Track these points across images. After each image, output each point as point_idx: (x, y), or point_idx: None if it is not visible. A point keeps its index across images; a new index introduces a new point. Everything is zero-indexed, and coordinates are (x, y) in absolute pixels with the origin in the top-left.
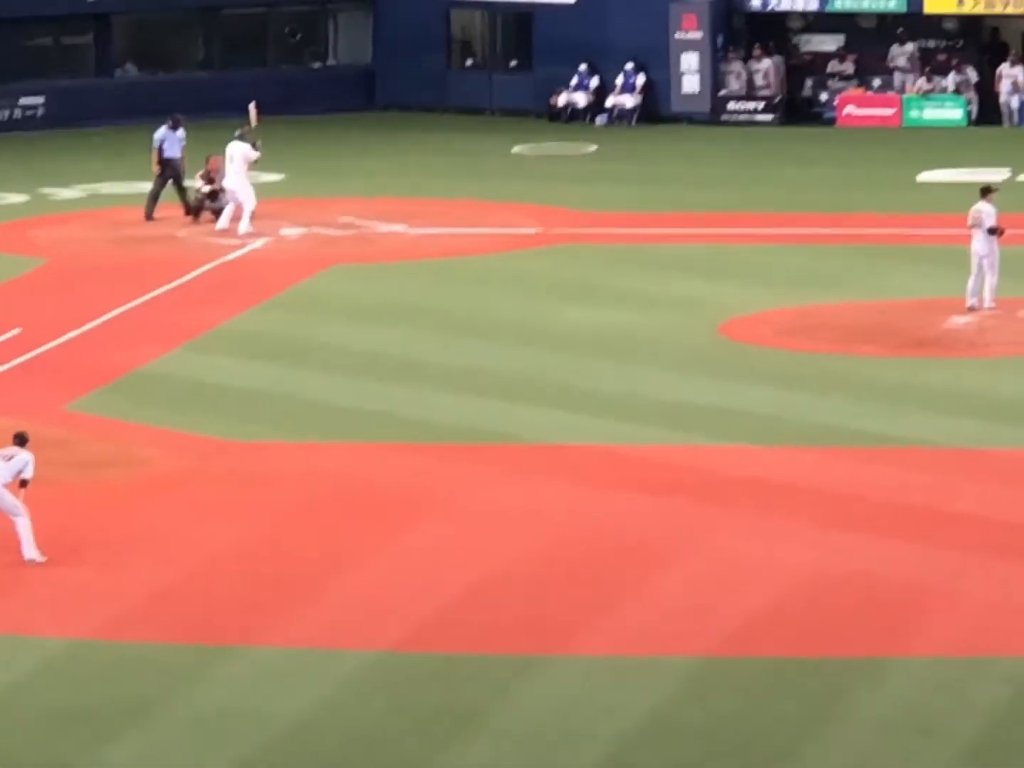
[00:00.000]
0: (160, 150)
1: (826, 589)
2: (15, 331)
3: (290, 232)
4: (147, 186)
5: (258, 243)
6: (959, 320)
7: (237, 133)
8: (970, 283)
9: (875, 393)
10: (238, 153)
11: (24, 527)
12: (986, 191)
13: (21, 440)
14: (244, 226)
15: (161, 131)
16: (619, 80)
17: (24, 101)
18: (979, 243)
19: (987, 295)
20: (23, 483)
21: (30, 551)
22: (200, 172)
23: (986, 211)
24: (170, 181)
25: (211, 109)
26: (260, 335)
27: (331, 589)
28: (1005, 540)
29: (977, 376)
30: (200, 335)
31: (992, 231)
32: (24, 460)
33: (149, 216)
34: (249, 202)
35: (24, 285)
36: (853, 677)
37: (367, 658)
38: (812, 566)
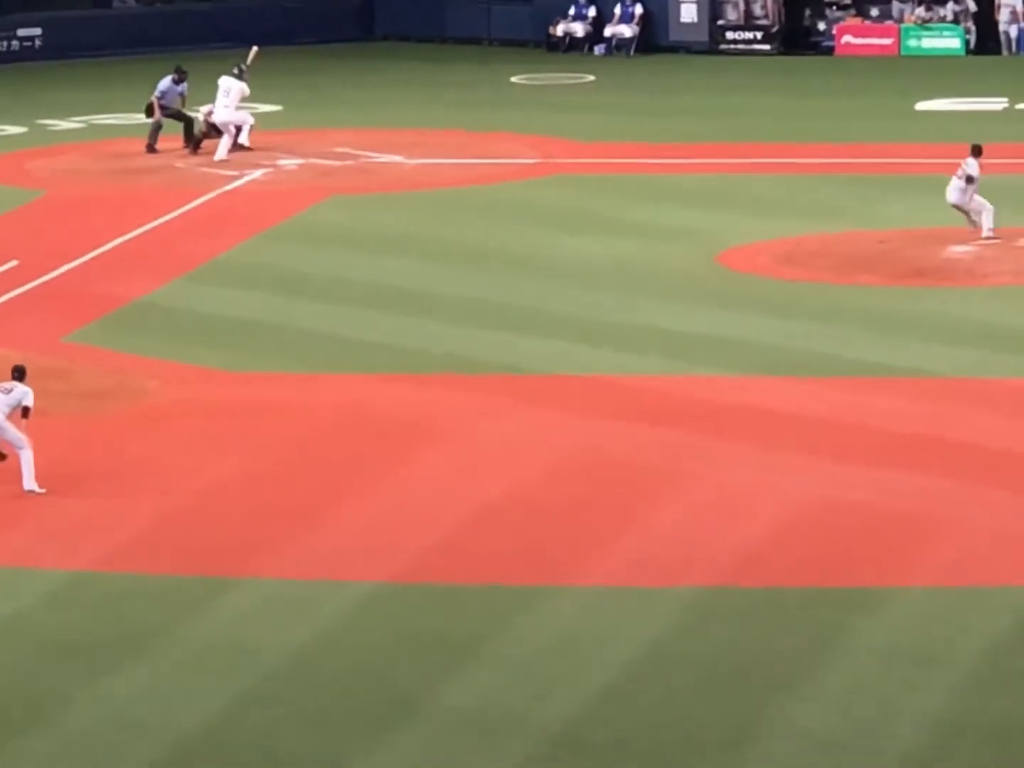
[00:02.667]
0: (160, 104)
1: (825, 519)
2: (12, 263)
3: (288, 163)
4: (145, 118)
5: (256, 173)
6: (958, 249)
7: (235, 71)
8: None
9: (874, 322)
10: (235, 89)
11: (27, 459)
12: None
13: (20, 373)
14: (243, 137)
15: (165, 83)
16: (617, 10)
17: (22, 32)
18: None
19: (985, 225)
20: (25, 412)
21: (30, 483)
22: (207, 108)
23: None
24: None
25: (210, 40)
26: (259, 266)
27: (332, 519)
28: (1005, 469)
29: (976, 305)
30: (199, 266)
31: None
32: (23, 391)
33: (151, 148)
34: (247, 121)
35: (22, 217)
36: (852, 607)
37: (368, 588)
38: (811, 496)
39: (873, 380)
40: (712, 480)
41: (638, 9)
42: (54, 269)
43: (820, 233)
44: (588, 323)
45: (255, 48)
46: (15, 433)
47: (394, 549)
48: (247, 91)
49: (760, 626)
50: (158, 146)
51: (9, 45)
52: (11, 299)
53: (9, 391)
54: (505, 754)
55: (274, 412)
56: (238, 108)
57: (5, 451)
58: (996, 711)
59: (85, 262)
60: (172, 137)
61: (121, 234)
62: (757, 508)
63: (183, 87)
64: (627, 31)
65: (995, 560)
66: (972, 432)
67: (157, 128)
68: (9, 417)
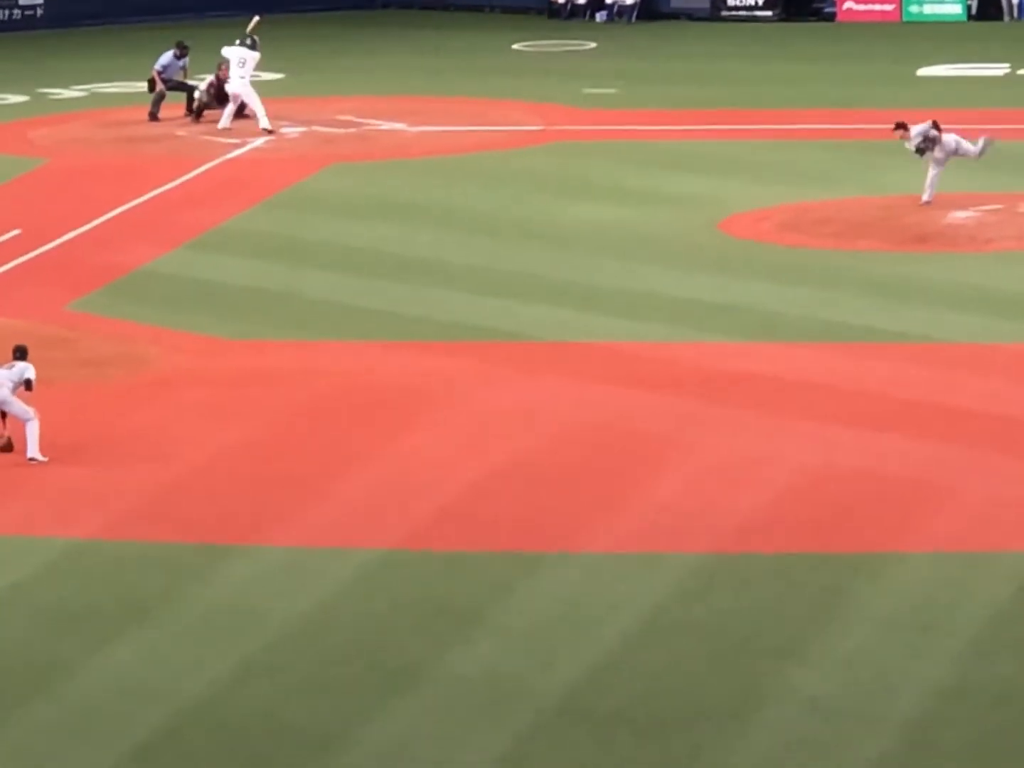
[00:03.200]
0: (161, 78)
1: (828, 485)
2: (15, 232)
3: (290, 131)
4: (146, 86)
5: (258, 142)
6: (960, 215)
7: (248, 41)
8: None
9: (877, 288)
10: (250, 59)
11: (32, 430)
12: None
13: (21, 353)
14: (264, 122)
15: (166, 57)
16: None
17: (24, 1)
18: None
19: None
20: (28, 385)
21: (33, 451)
22: (210, 79)
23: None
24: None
25: (211, 9)
26: (261, 234)
27: (334, 488)
28: (1008, 435)
29: (979, 271)
30: (201, 234)
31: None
32: (24, 366)
33: (154, 116)
34: (259, 106)
35: (24, 185)
36: (855, 573)
37: (370, 556)
38: (814, 462)
39: (876, 346)
40: (715, 447)
41: None
42: (57, 238)
43: (822, 199)
44: (590, 290)
45: (256, 17)
46: (21, 406)
47: (397, 517)
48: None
49: (763, 593)
50: (161, 115)
51: (11, 14)
52: (14, 268)
53: (12, 366)
54: (508, 722)
55: (276, 380)
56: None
57: (3, 434)
58: (998, 677)
59: (88, 231)
60: (175, 105)
61: (124, 202)
62: (760, 474)
63: (184, 61)
64: None
65: (998, 526)
66: (975, 398)
67: (160, 97)
68: (13, 392)
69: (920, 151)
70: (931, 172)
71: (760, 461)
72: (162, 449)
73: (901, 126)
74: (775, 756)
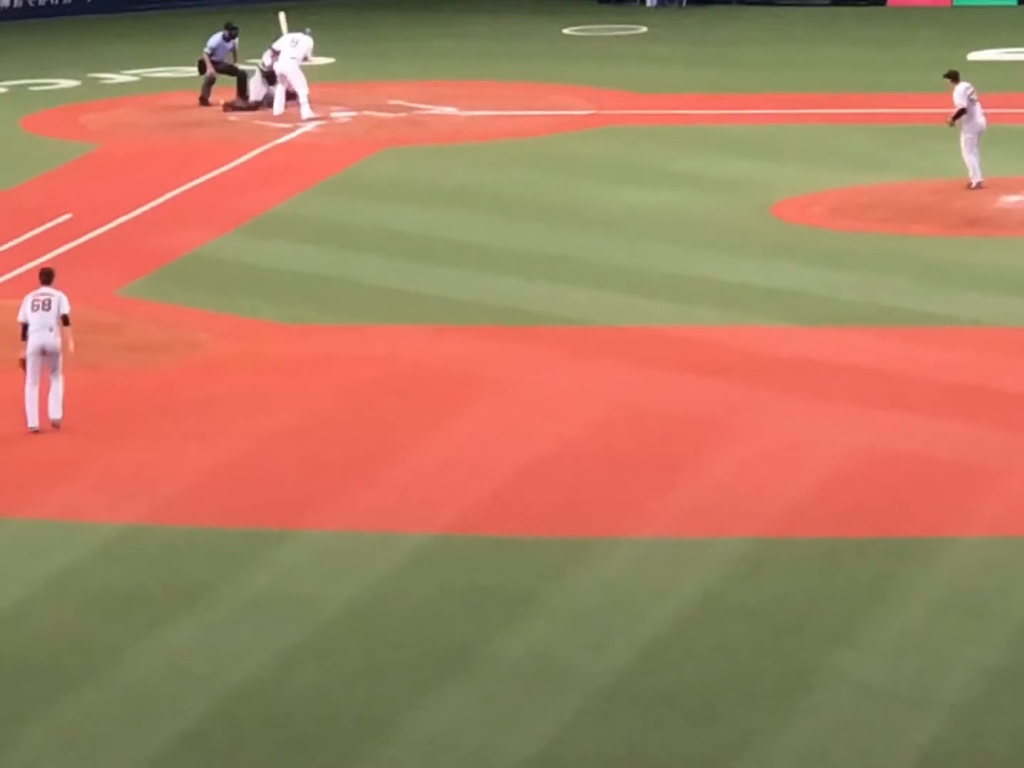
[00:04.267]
0: (212, 60)
1: (877, 469)
2: (66, 216)
3: (341, 115)
4: (197, 73)
5: (309, 126)
6: (1010, 199)
7: (307, 31)
8: (975, 160)
9: (927, 273)
10: (303, 43)
11: (57, 389)
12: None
13: (48, 276)
14: (306, 111)
15: (215, 39)
16: None
17: None
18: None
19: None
20: (65, 320)
21: (56, 412)
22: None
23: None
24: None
25: None
26: (311, 218)
27: (384, 472)
28: None
29: None
30: (251, 219)
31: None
32: (58, 299)
33: (204, 100)
34: (303, 88)
35: (76, 170)
36: (905, 557)
37: (420, 541)
38: (864, 446)
39: (925, 330)
40: (764, 431)
41: None
42: (108, 222)
43: (873, 184)
44: (641, 274)
45: (282, 14)
46: (60, 360)
47: (446, 501)
48: (309, 53)
49: (812, 577)
50: (211, 99)
51: (61, 0)
52: (65, 252)
53: (47, 304)
54: (558, 706)
55: (326, 365)
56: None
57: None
58: None
59: (138, 215)
60: (226, 89)
61: (174, 187)
62: (809, 459)
63: (234, 43)
64: None
65: None
66: None
67: (210, 82)
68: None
69: (957, 115)
70: (968, 157)
71: (809, 445)
72: (211, 434)
73: (952, 76)
74: (824, 740)
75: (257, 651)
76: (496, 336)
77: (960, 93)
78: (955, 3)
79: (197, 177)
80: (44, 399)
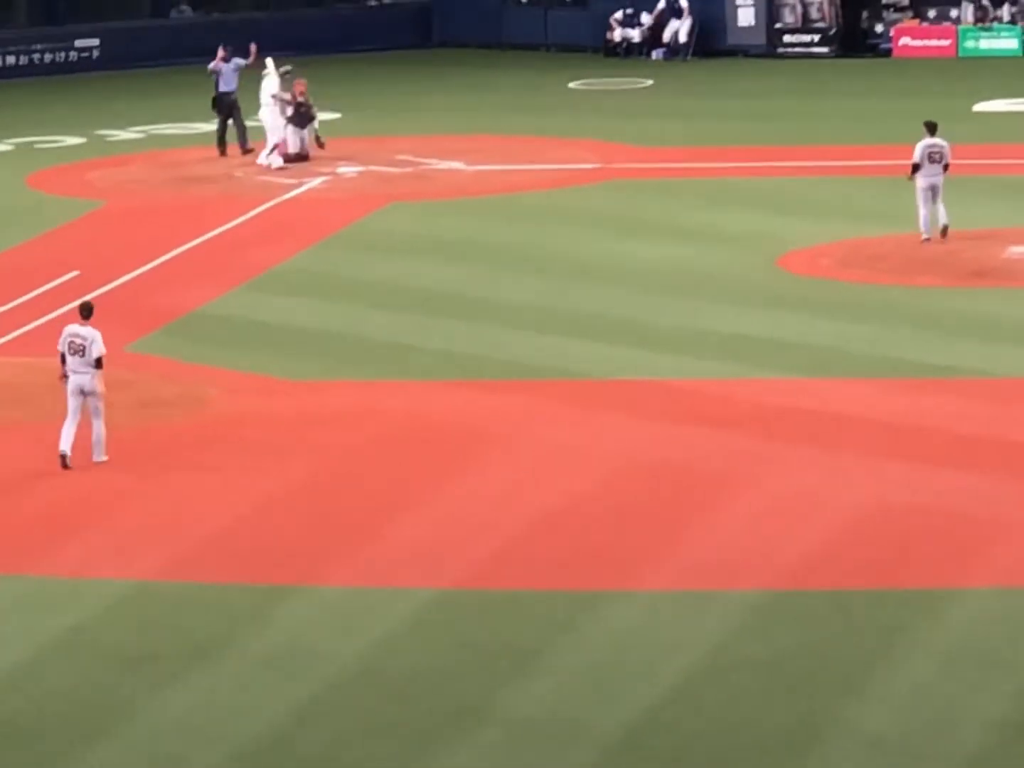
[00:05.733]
0: (216, 83)
1: (886, 521)
2: (74, 273)
3: (347, 170)
4: (203, 127)
5: (316, 182)
6: (1018, 250)
7: (283, 70)
8: (925, 215)
9: (935, 324)
10: (264, 86)
11: (98, 430)
12: (933, 127)
13: (88, 311)
14: (263, 157)
15: (214, 63)
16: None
17: (80, 43)
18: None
19: (941, 217)
20: (98, 363)
21: (99, 455)
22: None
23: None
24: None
25: (267, 49)
26: (319, 274)
27: (393, 527)
28: None
29: None
30: (259, 274)
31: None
32: (92, 341)
33: (222, 153)
34: (274, 137)
35: (82, 227)
36: (915, 609)
37: (430, 595)
38: (872, 498)
39: (934, 381)
40: (772, 483)
41: (683, 2)
42: (116, 279)
43: (880, 235)
44: (648, 328)
45: (270, 59)
46: (101, 403)
47: (455, 556)
48: (274, 89)
49: (823, 629)
50: (228, 151)
51: (67, 56)
52: (73, 309)
53: (82, 350)
54: (570, 761)
55: (334, 420)
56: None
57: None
58: None
59: (146, 272)
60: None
61: (182, 244)
62: (818, 511)
63: (235, 64)
64: (683, 28)
65: None
66: None
67: (222, 136)
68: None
69: (913, 170)
70: (920, 211)
71: (817, 497)
72: (220, 490)
73: (927, 126)
74: None
75: (268, 707)
76: (503, 390)
77: (918, 147)
78: (961, 54)
79: (204, 233)
80: (83, 435)
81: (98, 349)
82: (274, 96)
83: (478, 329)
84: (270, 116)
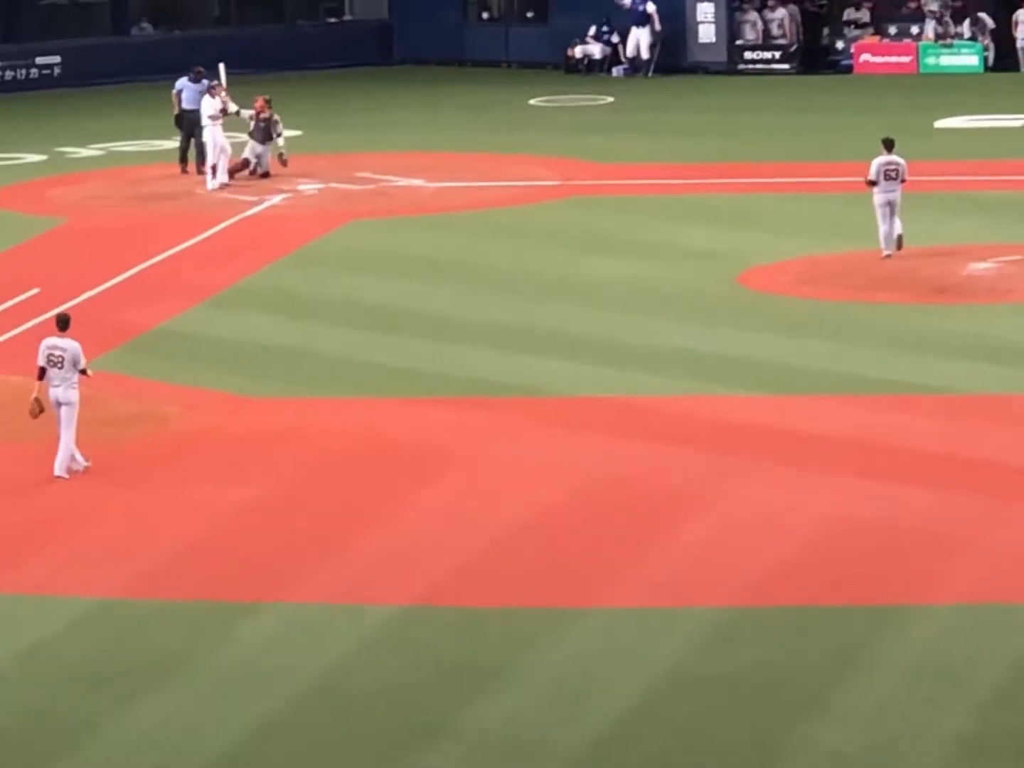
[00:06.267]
0: (179, 99)
1: (848, 538)
2: (34, 291)
3: (308, 187)
4: (164, 144)
5: (276, 199)
6: (979, 266)
7: (206, 84)
8: (884, 231)
9: (896, 341)
10: (207, 108)
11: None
12: (890, 144)
13: (65, 323)
14: (209, 181)
15: (181, 81)
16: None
17: (40, 60)
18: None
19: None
20: (83, 373)
21: (61, 468)
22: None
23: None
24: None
25: (228, 66)
26: (279, 291)
27: (354, 544)
28: None
29: (998, 322)
30: (220, 292)
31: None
32: (73, 354)
33: (184, 171)
34: (212, 157)
35: (43, 245)
36: (876, 625)
37: (391, 612)
38: (834, 515)
39: (896, 398)
40: (735, 500)
41: (650, 7)
42: (75, 297)
43: (841, 252)
44: (609, 345)
45: (222, 65)
46: (73, 416)
47: (416, 573)
48: (214, 108)
49: (785, 645)
50: (189, 168)
51: (28, 73)
52: (33, 327)
53: (61, 362)
54: None
55: (295, 437)
56: (213, 127)
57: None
58: (1021, 729)
59: (106, 289)
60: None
61: (142, 261)
62: (779, 528)
63: (203, 85)
64: (644, 43)
65: (1019, 577)
66: (996, 450)
67: (184, 152)
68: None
69: (871, 183)
70: (880, 227)
71: (779, 514)
72: (182, 507)
73: (884, 143)
74: None
75: (231, 724)
76: (464, 407)
77: (874, 164)
78: (922, 70)
79: (165, 251)
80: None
81: (80, 361)
82: (226, 113)
83: (438, 346)
84: (210, 135)
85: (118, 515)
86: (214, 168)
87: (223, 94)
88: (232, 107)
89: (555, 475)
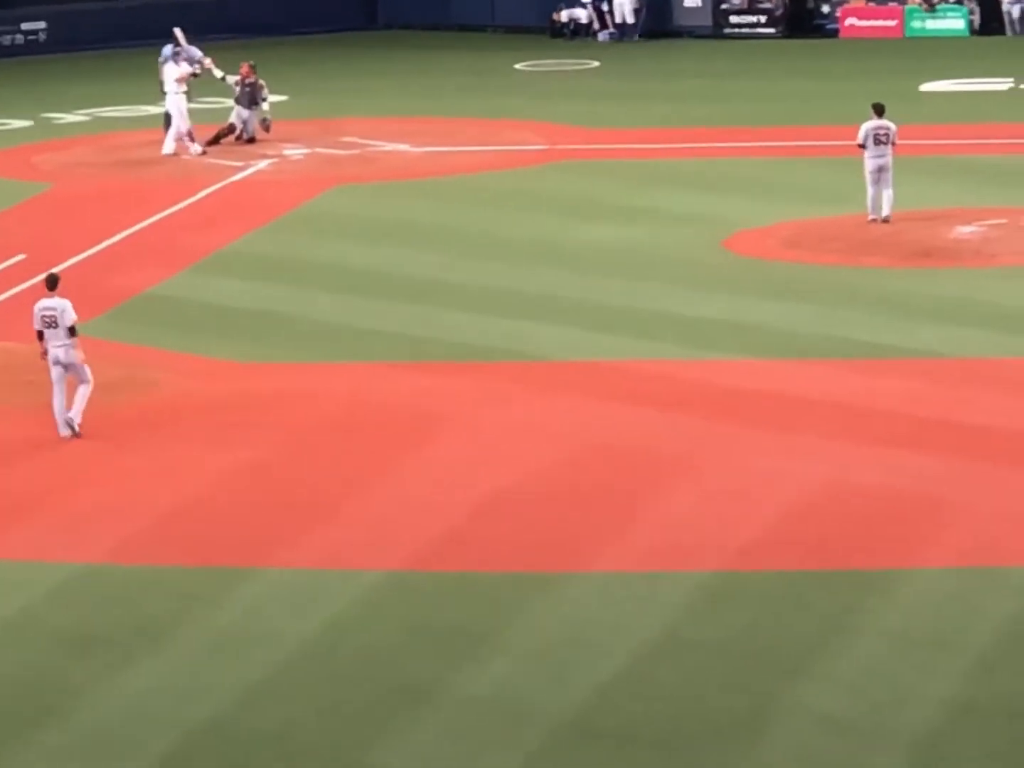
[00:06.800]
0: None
1: (838, 502)
2: (20, 257)
3: (294, 153)
4: (150, 109)
5: (262, 164)
6: (966, 230)
7: (170, 51)
8: (873, 195)
9: (882, 304)
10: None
11: (85, 392)
12: (880, 109)
13: (52, 283)
14: (167, 145)
15: (167, 49)
16: None
17: (26, 26)
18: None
19: (885, 206)
20: (72, 332)
21: (77, 414)
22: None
23: (887, 126)
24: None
25: (213, 31)
26: (266, 256)
27: (343, 509)
28: (1017, 449)
29: (985, 286)
30: (206, 257)
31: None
32: (62, 310)
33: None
34: (178, 124)
35: (29, 210)
36: (865, 589)
37: (380, 577)
38: (824, 479)
39: (883, 362)
40: (724, 465)
41: None
42: (62, 262)
43: (827, 216)
44: (597, 309)
45: (177, 29)
46: (85, 369)
47: (406, 538)
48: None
49: (774, 610)
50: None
51: (14, 39)
52: (19, 292)
53: (54, 322)
54: (520, 742)
55: (283, 402)
56: (177, 94)
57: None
58: (1009, 693)
59: (93, 255)
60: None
61: (128, 226)
62: (769, 492)
63: (184, 50)
64: (629, 7)
65: (1009, 541)
66: (984, 413)
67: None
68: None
69: (861, 147)
70: (869, 190)
71: (769, 479)
72: (168, 473)
73: (874, 108)
74: None
75: (219, 690)
76: (452, 372)
77: (863, 128)
78: (907, 34)
79: (151, 216)
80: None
81: (69, 318)
82: (196, 76)
83: (426, 311)
84: (174, 103)
85: (105, 480)
86: (190, 133)
87: (208, 61)
88: (218, 73)
89: (544, 440)
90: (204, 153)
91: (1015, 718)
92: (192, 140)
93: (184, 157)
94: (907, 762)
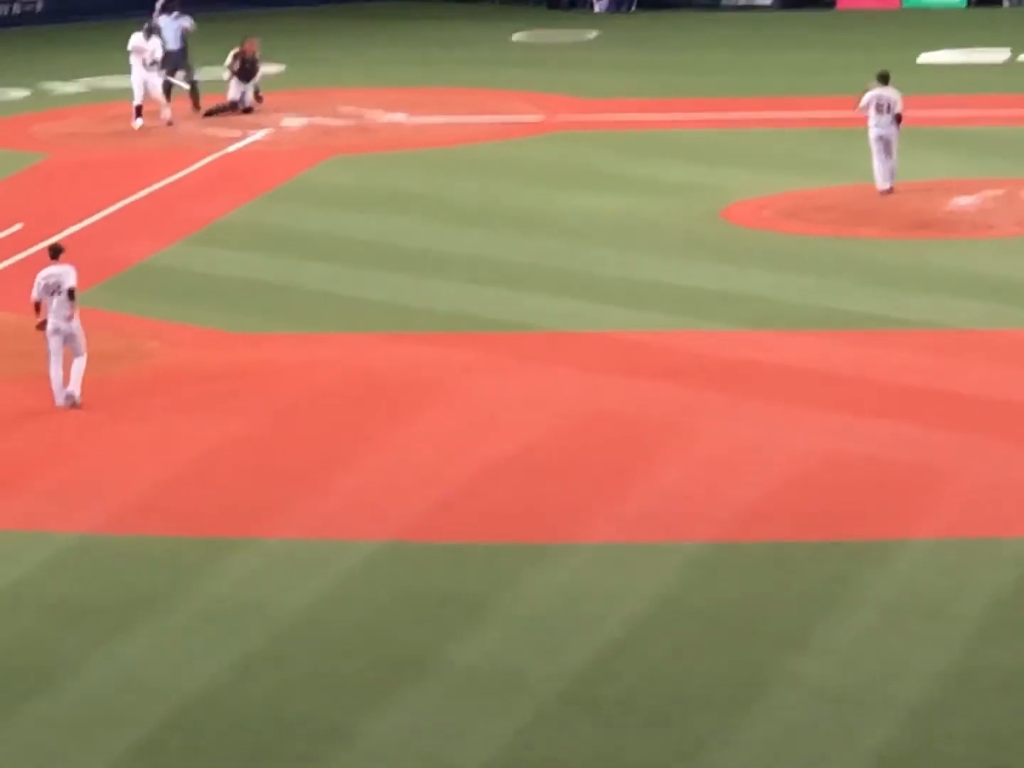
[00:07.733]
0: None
1: (831, 472)
2: (17, 226)
3: (291, 123)
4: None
5: (259, 134)
6: (962, 201)
7: (146, 26)
8: (878, 166)
9: (879, 275)
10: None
11: (80, 365)
12: (885, 77)
13: (56, 252)
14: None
15: (162, 19)
16: None
17: None
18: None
19: (889, 176)
20: (71, 294)
21: (76, 386)
22: (234, 51)
23: (888, 96)
24: (176, 73)
25: (212, 2)
26: (262, 226)
27: (336, 479)
28: (1011, 420)
29: (980, 257)
30: (202, 227)
31: (898, 118)
32: (65, 273)
33: (196, 106)
34: (137, 99)
35: (25, 180)
36: (858, 560)
37: (374, 547)
38: (817, 450)
39: (878, 333)
40: (717, 435)
41: None
42: (58, 232)
43: (823, 187)
44: (592, 279)
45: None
46: (81, 341)
47: (399, 508)
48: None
49: (767, 581)
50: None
51: (11, 9)
52: (16, 263)
53: (58, 287)
54: (513, 712)
55: (278, 373)
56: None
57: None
58: (1002, 663)
59: (89, 225)
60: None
61: (124, 196)
62: (762, 463)
63: (182, 22)
64: None
65: (1001, 511)
66: (978, 384)
67: (166, 90)
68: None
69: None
70: (876, 162)
71: (762, 449)
72: (163, 443)
73: (879, 76)
74: (778, 743)
75: (212, 659)
76: (447, 342)
77: (866, 95)
78: (904, 5)
79: (148, 186)
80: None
81: (69, 282)
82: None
83: (421, 281)
84: (135, 73)
85: (99, 450)
86: (139, 109)
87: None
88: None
89: (536, 410)
90: (140, 128)
91: (1008, 689)
92: (138, 116)
93: (181, 127)
94: (900, 733)
